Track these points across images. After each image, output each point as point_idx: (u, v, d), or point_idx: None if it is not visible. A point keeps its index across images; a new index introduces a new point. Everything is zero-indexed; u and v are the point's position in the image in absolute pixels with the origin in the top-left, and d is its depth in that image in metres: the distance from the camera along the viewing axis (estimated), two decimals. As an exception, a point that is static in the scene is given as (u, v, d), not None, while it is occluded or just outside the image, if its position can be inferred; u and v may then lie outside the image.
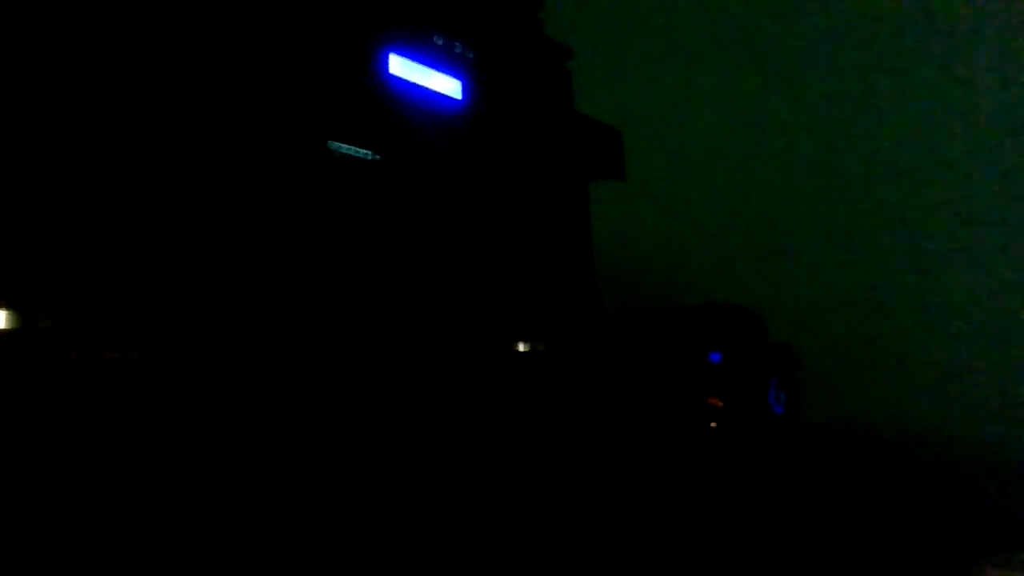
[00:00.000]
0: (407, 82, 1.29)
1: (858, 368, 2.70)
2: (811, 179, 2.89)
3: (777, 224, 2.91)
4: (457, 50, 1.38)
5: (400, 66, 1.28)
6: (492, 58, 1.46)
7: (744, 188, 2.98)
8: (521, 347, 1.42)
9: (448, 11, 1.38)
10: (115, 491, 0.85)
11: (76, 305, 0.86)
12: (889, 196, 2.76)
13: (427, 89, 1.32)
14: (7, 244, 0.82)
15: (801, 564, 1.40)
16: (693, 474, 1.76)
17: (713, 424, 2.00)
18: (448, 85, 1.36)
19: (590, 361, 1.57)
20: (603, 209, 1.85)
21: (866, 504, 1.86)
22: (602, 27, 3.09)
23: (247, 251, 1.03)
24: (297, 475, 1.02)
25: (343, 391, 1.11)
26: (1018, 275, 2.52)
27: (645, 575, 1.32)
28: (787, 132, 2.93)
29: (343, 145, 1.17)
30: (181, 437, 0.92)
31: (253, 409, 0.99)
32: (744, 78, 3.01)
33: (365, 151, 1.21)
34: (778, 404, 2.14)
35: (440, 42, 1.35)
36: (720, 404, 2.01)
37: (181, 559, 0.88)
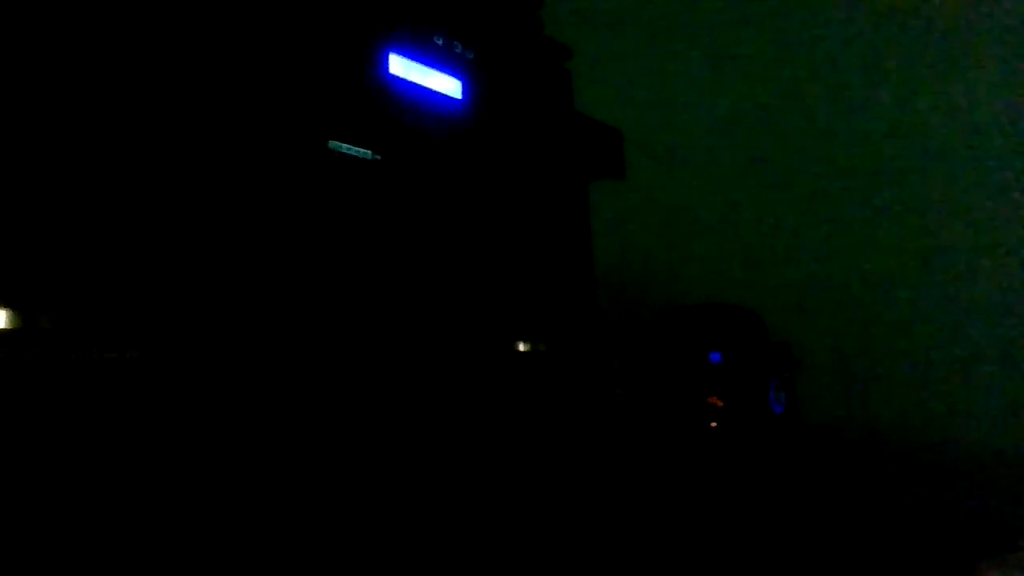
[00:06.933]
0: (407, 82, 1.29)
1: (858, 368, 2.70)
2: (811, 180, 2.89)
3: (777, 224, 2.91)
4: (457, 50, 1.38)
5: (400, 66, 1.28)
6: (492, 58, 1.46)
7: (744, 189, 2.98)
8: (521, 347, 1.42)
9: (448, 11, 1.38)
10: (115, 488, 0.85)
11: (76, 305, 0.86)
12: (889, 197, 2.76)
13: (427, 89, 1.32)
14: (7, 244, 0.82)
15: (801, 563, 1.39)
16: (693, 473, 1.76)
17: (713, 424, 2.00)
18: (448, 85, 1.36)
19: (590, 361, 1.57)
20: (603, 209, 1.85)
21: (866, 504, 1.86)
22: (602, 27, 3.09)
23: (247, 251, 1.03)
24: (297, 473, 1.02)
25: (343, 390, 1.10)
26: (1018, 276, 2.52)
27: (646, 574, 1.32)
28: (787, 133, 2.93)
29: (343, 145, 1.17)
30: (180, 436, 0.92)
31: (253, 408, 0.99)
32: (745, 79, 3.01)
33: (365, 151, 1.21)
34: (778, 404, 2.15)
35: (440, 42, 1.35)
36: (720, 404, 2.02)
37: (181, 556, 0.88)
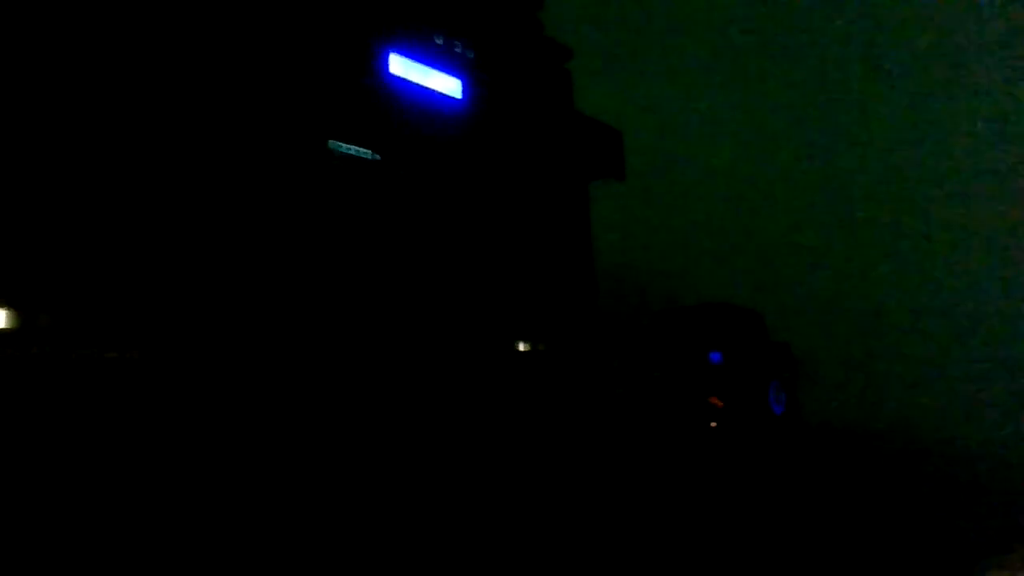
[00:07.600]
0: (407, 82, 1.29)
1: (858, 368, 2.70)
2: (811, 180, 2.89)
3: (777, 225, 2.91)
4: (457, 50, 1.38)
5: (400, 66, 1.28)
6: (492, 58, 1.46)
7: (744, 189, 2.99)
8: (521, 347, 1.42)
9: (448, 11, 1.38)
10: (115, 488, 0.85)
11: (76, 304, 0.86)
12: (889, 198, 2.77)
13: (427, 89, 1.32)
14: (7, 244, 0.82)
15: (801, 563, 1.40)
16: (693, 473, 1.76)
17: (713, 424, 2.00)
18: (448, 85, 1.36)
19: (590, 361, 1.57)
20: (603, 209, 1.86)
21: (866, 504, 1.86)
22: (602, 27, 3.09)
23: (247, 251, 1.03)
24: (297, 473, 1.02)
25: (343, 389, 1.11)
26: (1018, 277, 2.52)
27: (646, 574, 1.32)
28: (787, 134, 2.94)
29: (343, 145, 1.17)
30: (180, 436, 0.92)
31: (253, 408, 0.99)
32: (744, 79, 3.01)
33: (365, 151, 1.21)
34: (778, 404, 2.15)
35: (440, 42, 1.35)
36: (720, 404, 2.02)
37: (180, 556, 0.88)
